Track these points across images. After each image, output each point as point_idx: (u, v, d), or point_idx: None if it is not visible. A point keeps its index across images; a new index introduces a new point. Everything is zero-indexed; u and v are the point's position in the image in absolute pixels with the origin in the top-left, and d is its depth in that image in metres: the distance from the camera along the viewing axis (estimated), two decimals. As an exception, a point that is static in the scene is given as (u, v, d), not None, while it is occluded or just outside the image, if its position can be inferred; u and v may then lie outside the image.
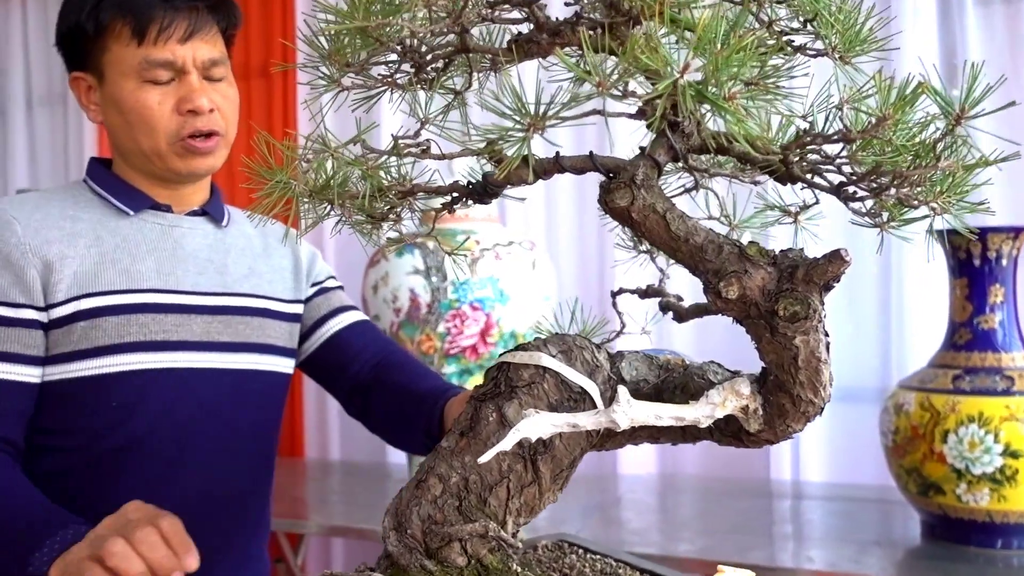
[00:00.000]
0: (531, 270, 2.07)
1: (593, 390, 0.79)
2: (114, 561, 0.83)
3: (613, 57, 0.55)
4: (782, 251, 0.64)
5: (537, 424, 0.64)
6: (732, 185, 0.84)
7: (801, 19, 0.63)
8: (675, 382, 0.80)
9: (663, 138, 0.65)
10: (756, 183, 0.81)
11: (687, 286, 0.90)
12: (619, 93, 0.53)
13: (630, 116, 0.61)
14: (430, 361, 2.02)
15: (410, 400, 1.25)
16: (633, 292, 0.93)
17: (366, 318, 1.43)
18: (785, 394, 0.66)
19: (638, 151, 0.66)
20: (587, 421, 0.64)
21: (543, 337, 0.83)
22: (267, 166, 0.65)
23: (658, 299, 0.86)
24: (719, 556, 1.70)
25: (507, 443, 0.62)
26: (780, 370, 0.65)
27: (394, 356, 1.37)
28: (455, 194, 0.76)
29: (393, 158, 0.63)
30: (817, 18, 0.62)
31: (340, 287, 1.45)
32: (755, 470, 2.43)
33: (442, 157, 0.65)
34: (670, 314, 0.90)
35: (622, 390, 0.64)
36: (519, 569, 0.77)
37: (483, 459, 0.62)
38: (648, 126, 0.62)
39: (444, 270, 2.00)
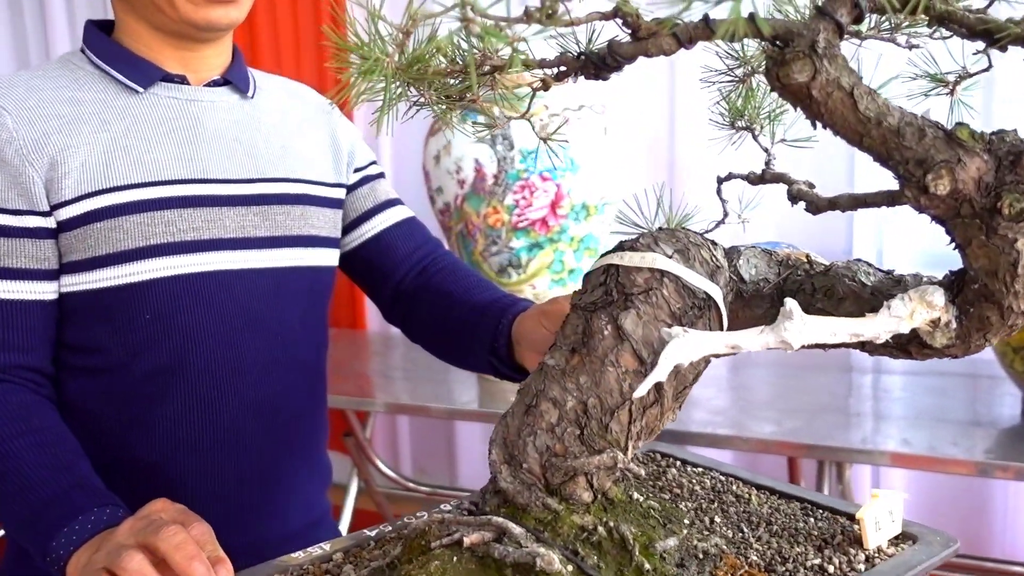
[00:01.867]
0: (603, 136, 1.93)
1: (718, 296, 0.68)
2: None
3: None
4: (996, 134, 0.51)
5: (689, 347, 0.53)
6: (860, 49, 0.69)
7: None
8: (808, 283, 0.68)
9: (847, -10, 0.51)
10: (913, 47, 0.67)
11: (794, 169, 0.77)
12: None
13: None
14: (497, 235, 1.91)
15: (469, 310, 1.12)
16: (745, 177, 0.80)
17: (413, 214, 1.28)
18: (993, 305, 0.54)
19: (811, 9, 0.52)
20: (752, 342, 0.53)
21: (651, 232, 0.71)
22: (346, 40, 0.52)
23: (784, 187, 0.73)
24: (808, 438, 1.62)
25: (661, 372, 0.52)
26: (991, 278, 0.53)
27: (444, 260, 1.23)
28: (562, 68, 0.63)
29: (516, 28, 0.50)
30: None
31: (382, 175, 1.29)
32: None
33: (570, 24, 0.51)
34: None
35: (792, 305, 0.52)
36: (641, 498, 0.68)
37: (639, 392, 0.52)
38: (861, 10, 0.48)
39: (511, 137, 1.86)
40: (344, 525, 2.40)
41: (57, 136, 0.97)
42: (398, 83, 0.57)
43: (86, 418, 1.02)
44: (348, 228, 1.23)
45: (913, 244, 2.29)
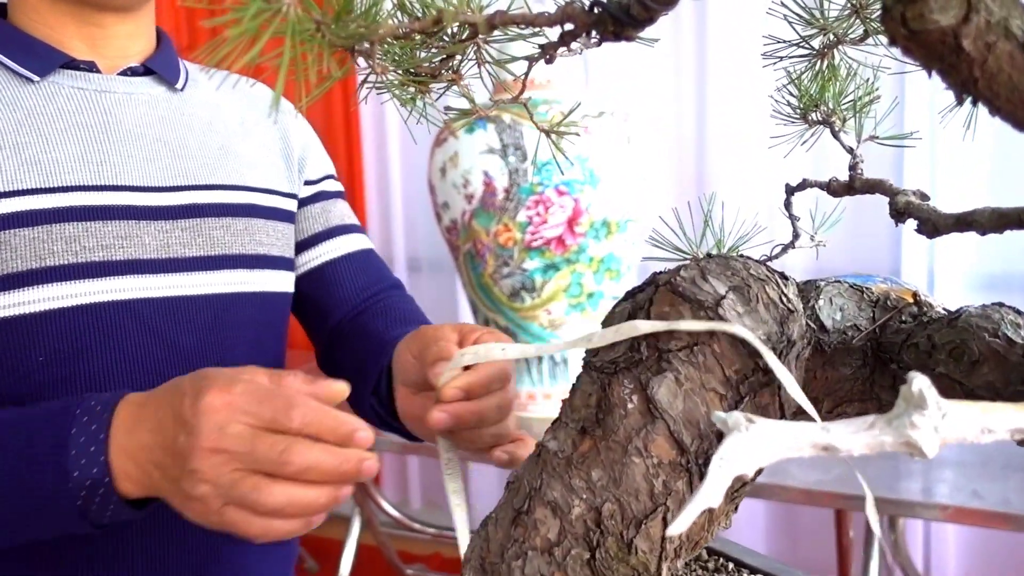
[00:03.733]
0: (626, 146, 1.73)
1: (800, 396, 0.48)
2: (276, 514, 0.58)
3: None
4: None
5: (756, 447, 0.33)
6: None
7: None
8: (919, 335, 0.49)
9: None
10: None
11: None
12: None
13: None
14: (509, 255, 1.72)
15: (371, 346, 0.91)
16: (824, 186, 0.60)
17: (371, 247, 1.07)
18: None
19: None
20: (856, 443, 0.33)
21: (697, 261, 0.52)
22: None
23: (887, 199, 0.53)
24: (854, 488, 1.43)
25: (714, 491, 0.32)
26: None
27: (389, 300, 1.03)
28: (568, 25, 0.44)
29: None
30: None
31: (341, 194, 1.08)
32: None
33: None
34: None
35: (923, 384, 0.33)
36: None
37: (674, 529, 0.32)
38: None
39: (524, 147, 1.67)
40: (347, 560, 2.24)
41: None
42: (319, 43, 0.38)
43: None
44: (302, 246, 1.03)
45: (968, 264, 2.07)
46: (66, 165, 0.82)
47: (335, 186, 1.07)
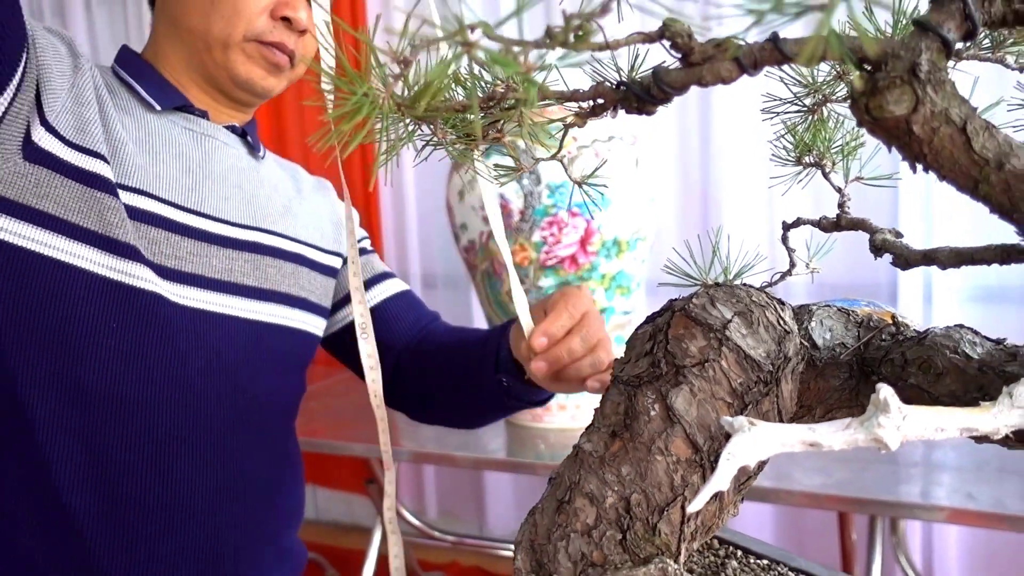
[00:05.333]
0: (634, 168, 1.82)
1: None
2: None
3: None
4: None
5: (756, 444, 0.42)
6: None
7: None
8: (896, 352, 0.58)
9: (955, 2, 0.41)
10: None
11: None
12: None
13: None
14: (525, 274, 1.81)
15: (468, 349, 1.06)
16: (816, 223, 0.69)
17: (408, 288, 1.22)
18: None
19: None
20: (835, 440, 0.42)
21: (707, 289, 0.61)
22: (342, 74, 0.43)
23: (868, 236, 0.62)
24: (855, 491, 1.51)
25: (721, 479, 0.41)
26: None
27: (440, 325, 1.18)
28: (600, 100, 0.53)
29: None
30: None
31: (374, 251, 1.25)
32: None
33: (605, 47, 0.42)
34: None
35: (887, 392, 0.41)
36: (697, 607, 0.57)
37: (693, 507, 0.41)
38: (974, 24, 0.38)
39: (538, 172, 1.77)
40: (369, 570, 2.32)
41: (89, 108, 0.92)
42: (403, 122, 0.47)
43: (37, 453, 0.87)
44: (343, 302, 1.16)
45: (963, 277, 2.16)
46: (165, 181, 0.94)
47: (370, 245, 1.24)
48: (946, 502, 1.46)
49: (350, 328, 1.16)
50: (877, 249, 0.59)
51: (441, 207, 2.06)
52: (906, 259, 0.56)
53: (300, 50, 1.01)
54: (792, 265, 0.70)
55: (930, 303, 2.14)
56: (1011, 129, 0.51)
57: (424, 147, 0.57)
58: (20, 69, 0.82)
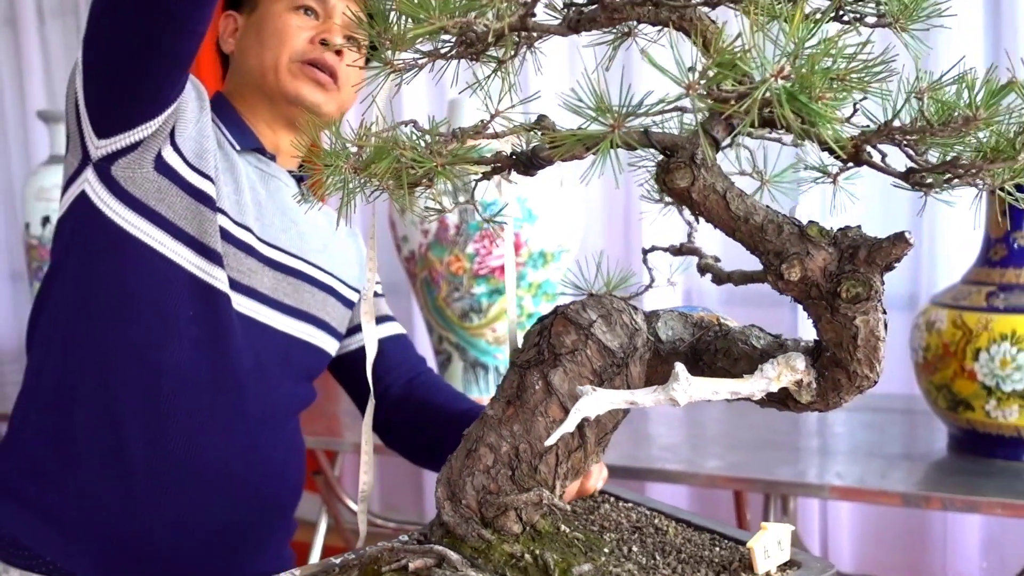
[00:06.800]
0: (558, 188, 2.05)
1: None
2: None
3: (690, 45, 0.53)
4: (841, 230, 0.63)
5: (596, 402, 0.64)
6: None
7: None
8: (714, 344, 0.79)
9: (721, 114, 0.63)
10: (798, 145, 0.79)
11: (716, 242, 0.89)
12: (704, 94, 0.51)
13: (721, 115, 0.58)
14: (459, 282, 2.02)
15: (450, 418, 1.25)
16: (666, 250, 0.92)
17: (405, 332, 1.44)
18: (841, 370, 0.66)
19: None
20: (646, 399, 0.64)
21: (581, 300, 0.83)
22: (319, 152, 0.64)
23: (695, 259, 0.85)
24: (746, 472, 1.74)
25: (570, 424, 0.62)
26: (838, 348, 0.64)
27: (429, 375, 1.39)
28: (498, 164, 0.75)
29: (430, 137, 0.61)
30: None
31: (384, 295, 1.47)
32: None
33: (495, 136, 0.63)
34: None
35: (680, 368, 0.63)
36: (567, 529, 0.79)
37: (549, 442, 0.62)
38: (734, 128, 0.60)
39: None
40: (314, 561, 2.47)
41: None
42: (355, 180, 0.68)
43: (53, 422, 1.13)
44: (353, 330, 1.38)
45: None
46: (238, 206, 1.16)
47: (382, 289, 1.47)
48: (820, 480, 1.70)
49: (353, 354, 1.39)
50: (702, 270, 0.81)
51: (384, 227, 2.26)
52: (719, 277, 0.78)
53: (342, 71, 1.22)
54: (652, 280, 0.92)
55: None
56: (796, 185, 0.74)
57: (372, 192, 0.77)
58: (175, 104, 1.08)
